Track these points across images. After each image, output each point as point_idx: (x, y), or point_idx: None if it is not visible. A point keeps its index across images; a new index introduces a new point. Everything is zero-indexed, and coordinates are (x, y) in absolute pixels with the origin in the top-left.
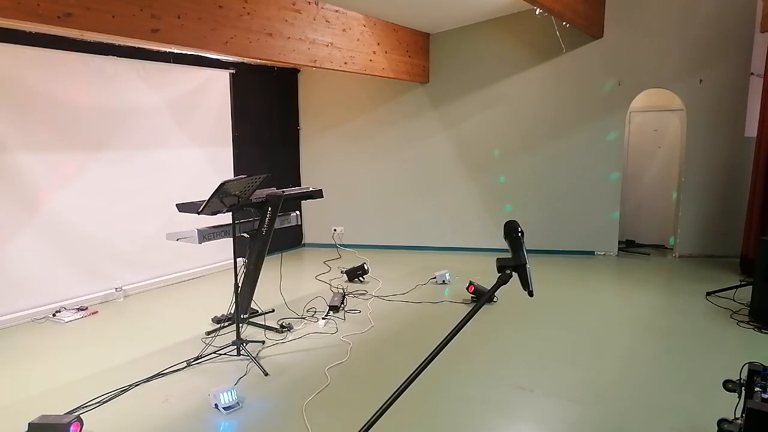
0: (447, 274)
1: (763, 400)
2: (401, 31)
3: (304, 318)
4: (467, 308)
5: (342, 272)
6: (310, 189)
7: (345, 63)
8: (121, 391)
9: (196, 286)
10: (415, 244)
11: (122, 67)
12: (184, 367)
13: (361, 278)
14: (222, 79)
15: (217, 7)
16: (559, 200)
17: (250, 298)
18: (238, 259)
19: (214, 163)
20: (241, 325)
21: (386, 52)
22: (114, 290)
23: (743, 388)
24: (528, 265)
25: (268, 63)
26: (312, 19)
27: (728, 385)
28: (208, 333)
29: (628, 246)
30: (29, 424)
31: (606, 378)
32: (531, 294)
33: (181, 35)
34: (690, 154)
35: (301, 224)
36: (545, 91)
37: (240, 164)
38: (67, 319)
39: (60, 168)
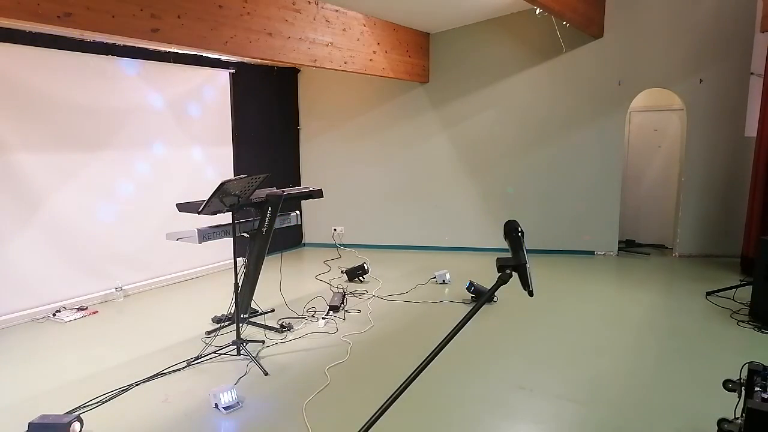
0: (447, 274)
1: (763, 399)
2: (401, 30)
3: (304, 318)
4: (467, 308)
5: (342, 272)
6: (310, 189)
7: (345, 63)
8: (121, 391)
9: (196, 286)
10: (415, 244)
11: (122, 67)
12: (184, 367)
13: (361, 278)
14: (222, 78)
15: (217, 6)
16: (559, 200)
17: (250, 298)
18: (238, 259)
19: (214, 163)
20: (241, 324)
21: (386, 52)
22: (114, 290)
23: (743, 387)
24: (528, 265)
25: (268, 63)
26: (312, 19)
27: (728, 385)
28: (208, 333)
29: (628, 246)
30: (29, 424)
31: (606, 378)
32: (531, 294)
33: (181, 35)
34: (690, 154)
35: (301, 224)
36: (545, 91)
37: (240, 164)
38: (67, 319)
39: (60, 168)
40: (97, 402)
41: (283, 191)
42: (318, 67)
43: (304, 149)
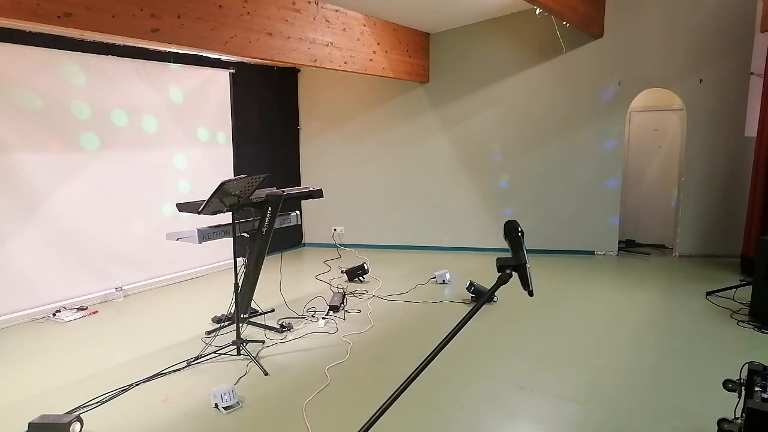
0: (447, 274)
1: (763, 399)
2: (401, 30)
3: (304, 318)
4: (467, 308)
5: (342, 272)
6: (310, 189)
7: (345, 63)
8: (121, 391)
9: (196, 286)
10: (415, 244)
11: (122, 67)
12: (184, 367)
13: (361, 278)
14: (222, 78)
15: (217, 6)
16: (560, 200)
17: (250, 298)
18: (238, 259)
19: (214, 163)
20: (241, 324)
21: (386, 52)
22: (114, 290)
23: (743, 387)
24: (528, 265)
25: (268, 63)
26: (312, 19)
27: (728, 385)
28: (208, 333)
29: (628, 246)
30: (29, 424)
31: (606, 378)
32: (531, 294)
33: (181, 35)
34: (690, 154)
35: (301, 224)
36: (545, 91)
37: (240, 164)
38: (67, 319)
39: (60, 168)
40: (97, 402)
41: (283, 191)
42: (318, 67)
43: (304, 149)
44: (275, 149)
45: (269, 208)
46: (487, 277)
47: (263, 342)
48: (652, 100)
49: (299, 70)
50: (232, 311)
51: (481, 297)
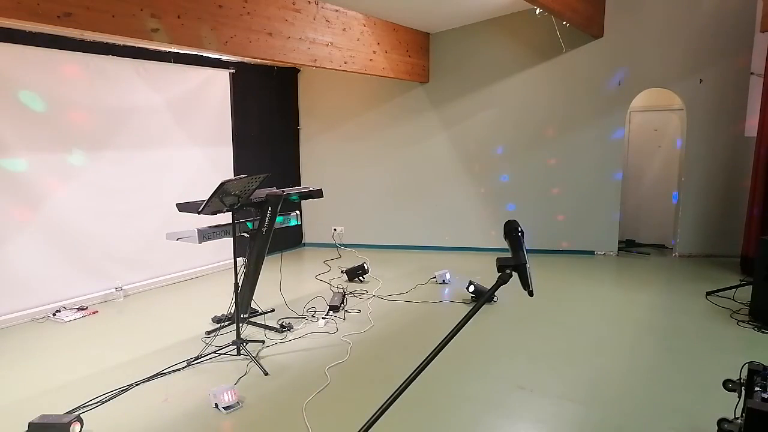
0: (447, 274)
1: (763, 399)
2: (401, 30)
3: (304, 318)
4: (467, 308)
5: (342, 272)
6: (310, 188)
7: (345, 63)
8: (121, 391)
9: (196, 286)
10: (415, 244)
11: (122, 67)
12: (184, 367)
13: (361, 278)
14: (222, 78)
15: (217, 6)
16: (560, 200)
17: (250, 298)
18: (238, 259)
19: (214, 163)
20: (241, 324)
21: (386, 52)
22: (114, 290)
23: (743, 387)
24: (528, 265)
25: (268, 63)
26: (312, 19)
27: (728, 385)
28: (208, 333)
29: (628, 246)
30: (29, 424)
31: (606, 378)
32: (531, 294)
33: (181, 35)
34: (690, 154)
35: (301, 224)
36: (545, 90)
37: (240, 164)
38: (67, 319)
39: (60, 168)
40: (97, 402)
41: (283, 191)
42: (318, 67)
43: (304, 149)
44: (275, 149)
45: (269, 208)
46: (487, 277)
47: (263, 342)
48: (652, 100)
49: (299, 70)
50: (232, 311)
51: (481, 297)
